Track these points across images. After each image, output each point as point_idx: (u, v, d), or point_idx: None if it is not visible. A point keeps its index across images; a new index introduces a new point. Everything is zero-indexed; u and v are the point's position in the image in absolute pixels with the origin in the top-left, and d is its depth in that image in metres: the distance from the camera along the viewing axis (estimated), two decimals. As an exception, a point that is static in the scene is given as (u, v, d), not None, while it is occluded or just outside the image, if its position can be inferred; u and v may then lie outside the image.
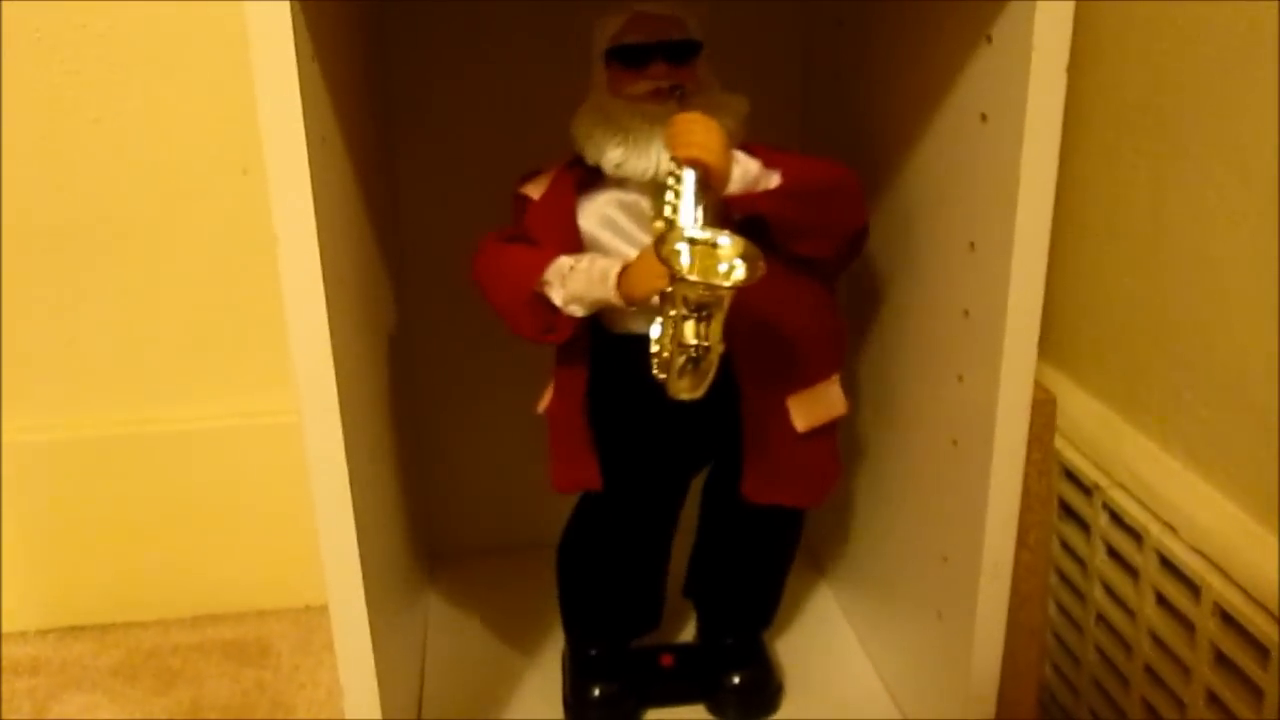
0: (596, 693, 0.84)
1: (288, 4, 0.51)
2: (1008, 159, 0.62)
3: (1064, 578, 0.86)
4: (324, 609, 0.63)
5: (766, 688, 0.87)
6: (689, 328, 0.63)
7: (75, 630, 1.06)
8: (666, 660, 0.88)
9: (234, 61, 0.93)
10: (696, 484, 0.83)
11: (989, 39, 0.63)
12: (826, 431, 0.76)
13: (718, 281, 0.61)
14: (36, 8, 0.90)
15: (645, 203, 0.71)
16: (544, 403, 0.78)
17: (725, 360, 0.66)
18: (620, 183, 0.72)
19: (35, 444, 1.01)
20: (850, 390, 0.78)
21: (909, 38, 0.75)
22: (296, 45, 0.52)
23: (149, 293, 1.00)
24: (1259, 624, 0.65)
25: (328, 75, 0.60)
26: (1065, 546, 0.86)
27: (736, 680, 0.85)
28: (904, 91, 0.76)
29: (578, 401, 0.75)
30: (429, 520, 1.05)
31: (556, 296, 0.70)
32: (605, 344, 0.74)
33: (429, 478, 1.03)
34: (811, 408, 0.75)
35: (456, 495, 1.06)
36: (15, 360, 1.00)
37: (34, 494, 1.02)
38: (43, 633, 1.06)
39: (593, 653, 0.86)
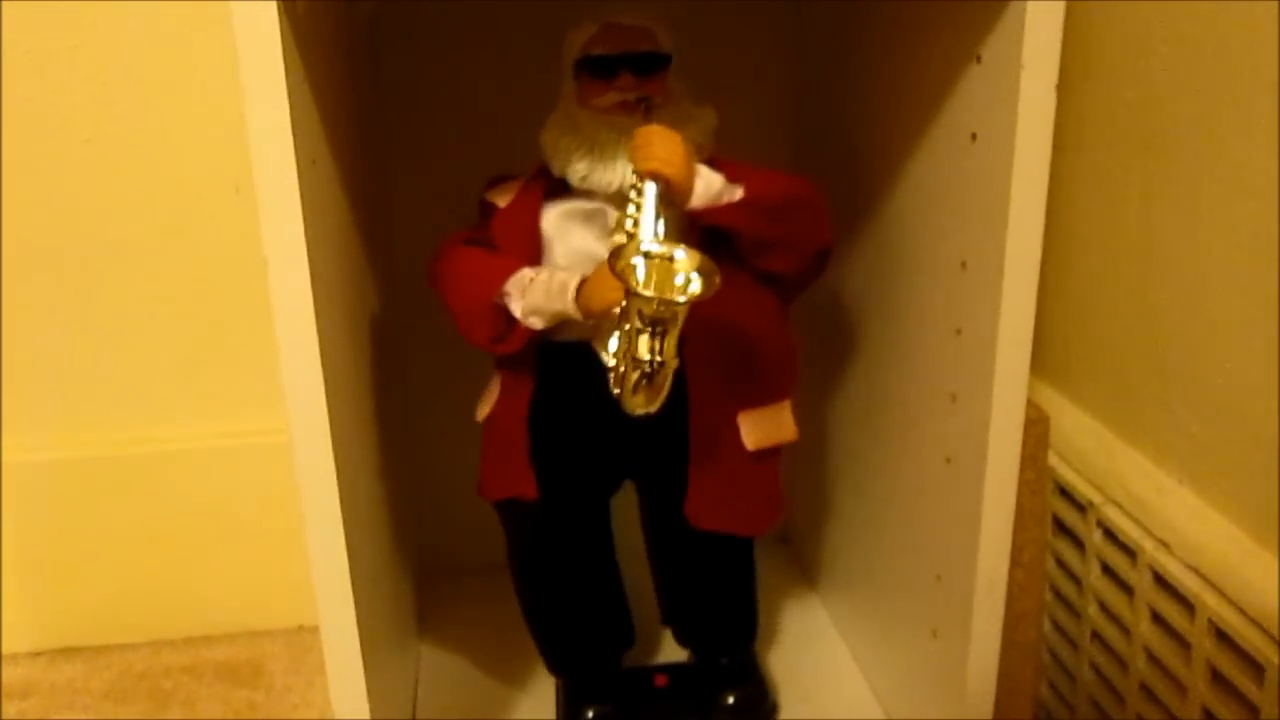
0: (590, 715, 0.83)
1: (278, 26, 0.51)
2: (998, 178, 0.62)
3: (1059, 595, 0.86)
4: (317, 629, 0.63)
5: (761, 706, 0.86)
6: (643, 342, 0.63)
7: (67, 652, 1.05)
8: (660, 681, 0.87)
9: (226, 80, 0.93)
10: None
11: (978, 59, 0.63)
12: (772, 457, 0.76)
13: (672, 296, 0.61)
14: (29, 28, 0.90)
15: (610, 215, 0.71)
16: (485, 409, 0.77)
17: (678, 371, 0.66)
18: (587, 194, 0.71)
19: (27, 464, 1.01)
20: (843, 409, 0.78)
21: (900, 57, 0.75)
22: (287, 67, 0.52)
23: (142, 311, 0.99)
24: (1254, 642, 0.65)
25: (318, 96, 0.60)
26: (1060, 564, 0.85)
27: (731, 700, 0.85)
28: (895, 110, 0.76)
29: (522, 409, 0.74)
30: (421, 539, 1.05)
31: (516, 308, 0.70)
32: (546, 353, 0.74)
33: (421, 496, 1.03)
34: (762, 427, 0.74)
35: (448, 514, 1.05)
36: (10, 379, 1.00)
37: (26, 514, 1.02)
38: (35, 655, 1.05)
39: (584, 675, 0.85)
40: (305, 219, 0.55)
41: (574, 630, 0.84)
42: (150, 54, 0.92)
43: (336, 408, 0.59)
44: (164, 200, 0.96)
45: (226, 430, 1.03)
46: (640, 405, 0.66)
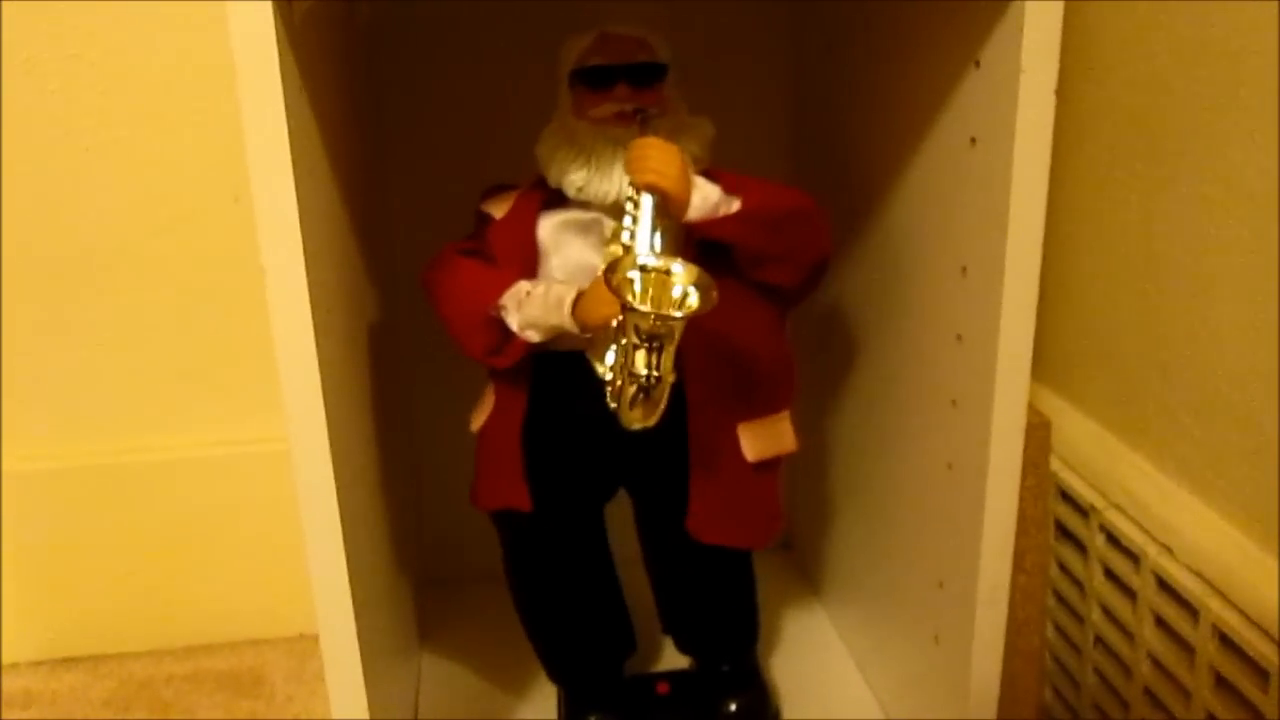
0: (592, 722, 0.83)
1: (274, 34, 0.51)
2: (997, 182, 0.62)
3: (1062, 600, 0.86)
4: (318, 637, 0.63)
5: (764, 713, 0.86)
6: (640, 357, 0.63)
7: (68, 662, 1.05)
8: (662, 688, 0.87)
9: (225, 89, 0.92)
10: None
11: (977, 63, 0.63)
12: (773, 468, 0.75)
13: (669, 311, 0.61)
14: (29, 37, 0.90)
15: (607, 226, 0.70)
16: (480, 419, 0.77)
17: (676, 383, 0.65)
18: (583, 205, 0.71)
19: (28, 473, 1.01)
20: (844, 415, 0.77)
21: (898, 62, 0.75)
22: (283, 76, 0.52)
23: (142, 320, 0.99)
24: (1258, 646, 0.64)
25: (315, 104, 0.59)
26: (1063, 568, 0.85)
27: (733, 707, 0.84)
28: (894, 115, 0.76)
29: (517, 420, 0.74)
30: (422, 547, 1.04)
31: (512, 321, 0.70)
32: (543, 362, 0.73)
33: (422, 504, 1.03)
34: (762, 438, 0.74)
35: (450, 521, 1.05)
36: (10, 388, 1.00)
37: (27, 523, 1.01)
38: (35, 664, 1.05)
39: (586, 683, 0.85)
40: (303, 227, 0.54)
41: (573, 638, 0.84)
42: (150, 63, 0.92)
43: (335, 416, 0.59)
44: (163, 209, 0.96)
45: (226, 438, 1.03)
46: (638, 420, 0.65)
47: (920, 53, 0.71)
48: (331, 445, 0.59)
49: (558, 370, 0.73)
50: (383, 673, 0.71)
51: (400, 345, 0.94)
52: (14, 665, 1.05)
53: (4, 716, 0.98)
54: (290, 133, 0.53)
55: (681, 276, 0.62)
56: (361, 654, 0.63)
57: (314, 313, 0.56)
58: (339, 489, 0.60)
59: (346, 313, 0.67)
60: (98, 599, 1.04)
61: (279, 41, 0.51)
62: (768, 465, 0.74)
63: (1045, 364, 0.87)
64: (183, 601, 1.05)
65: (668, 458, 0.73)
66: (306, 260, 0.55)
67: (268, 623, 1.07)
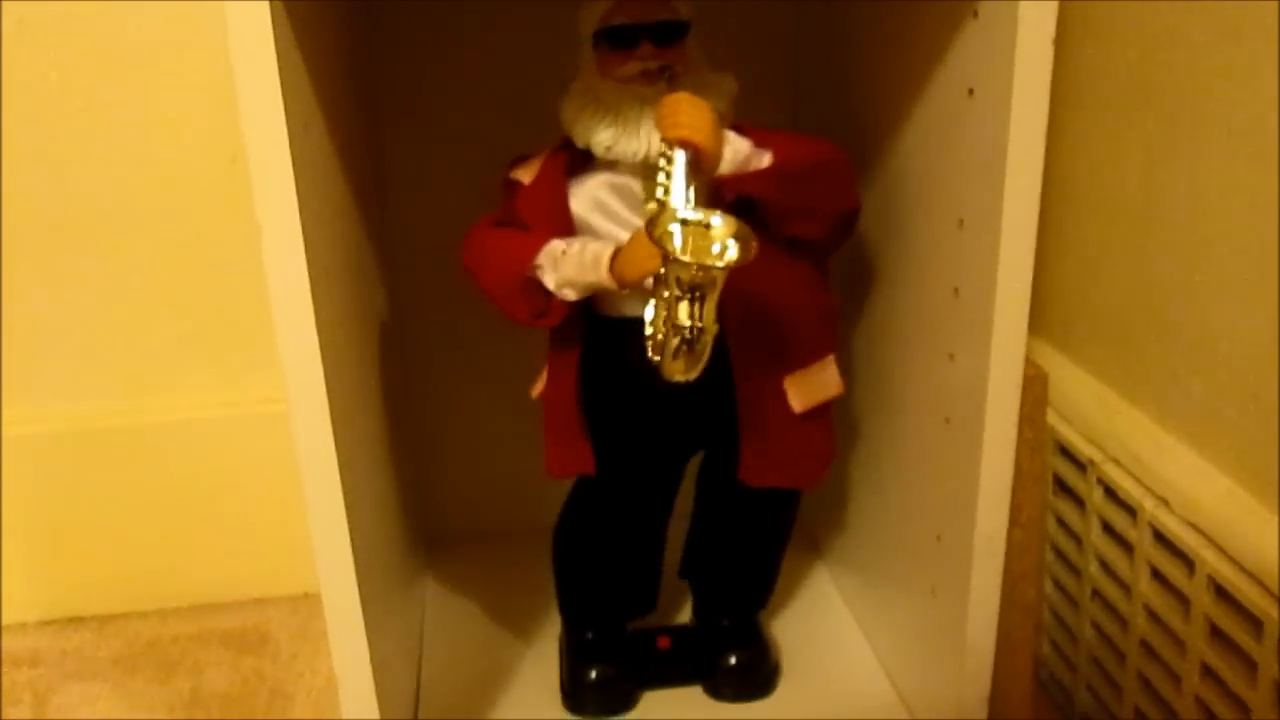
0: (593, 675, 0.84)
1: (267, -8, 0.51)
2: (995, 134, 0.61)
3: (1060, 554, 0.86)
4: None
5: (763, 668, 0.87)
6: (683, 309, 0.63)
7: (75, 621, 1.06)
8: (663, 642, 0.88)
9: (219, 47, 0.92)
10: (691, 468, 0.83)
11: (975, 14, 0.63)
12: (821, 412, 0.76)
13: (711, 262, 0.61)
14: (20, -2, 0.90)
15: (636, 185, 0.71)
16: (538, 387, 0.78)
17: (719, 343, 0.66)
18: (611, 165, 0.71)
19: (31, 435, 1.01)
20: (843, 370, 0.77)
21: (896, 13, 0.74)
22: (276, 32, 0.52)
23: (143, 281, 0.99)
24: (1252, 597, 0.65)
25: (309, 61, 0.59)
26: (1061, 522, 0.86)
27: (733, 661, 0.85)
28: (892, 67, 0.76)
29: (570, 385, 0.74)
30: (424, 506, 1.05)
31: (549, 281, 0.70)
32: (598, 327, 0.74)
33: (424, 463, 1.03)
34: (808, 388, 0.75)
35: (452, 481, 1.06)
36: (10, 352, 1.00)
37: (31, 485, 1.02)
38: (42, 624, 1.06)
39: (589, 636, 0.86)
40: (298, 185, 0.54)
41: (604, 596, 0.86)
42: (145, 22, 0.92)
43: (334, 376, 0.59)
44: (161, 170, 0.96)
45: (230, 399, 1.04)
46: (680, 372, 0.66)
47: (918, 4, 0.70)
48: (330, 405, 0.59)
49: (615, 332, 0.73)
50: (385, 630, 0.72)
51: (398, 302, 0.94)
52: (21, 625, 1.06)
53: (11, 675, 0.99)
54: (283, 88, 0.52)
55: (721, 229, 0.62)
56: (363, 612, 0.64)
57: (310, 270, 0.56)
58: (338, 448, 0.60)
59: (344, 270, 0.67)
60: (104, 560, 1.05)
61: (271, -2, 0.51)
62: (816, 411, 0.75)
63: (1043, 318, 0.87)
64: (188, 561, 1.06)
65: (723, 414, 0.74)
66: (302, 217, 0.55)
67: (272, 582, 1.07)
